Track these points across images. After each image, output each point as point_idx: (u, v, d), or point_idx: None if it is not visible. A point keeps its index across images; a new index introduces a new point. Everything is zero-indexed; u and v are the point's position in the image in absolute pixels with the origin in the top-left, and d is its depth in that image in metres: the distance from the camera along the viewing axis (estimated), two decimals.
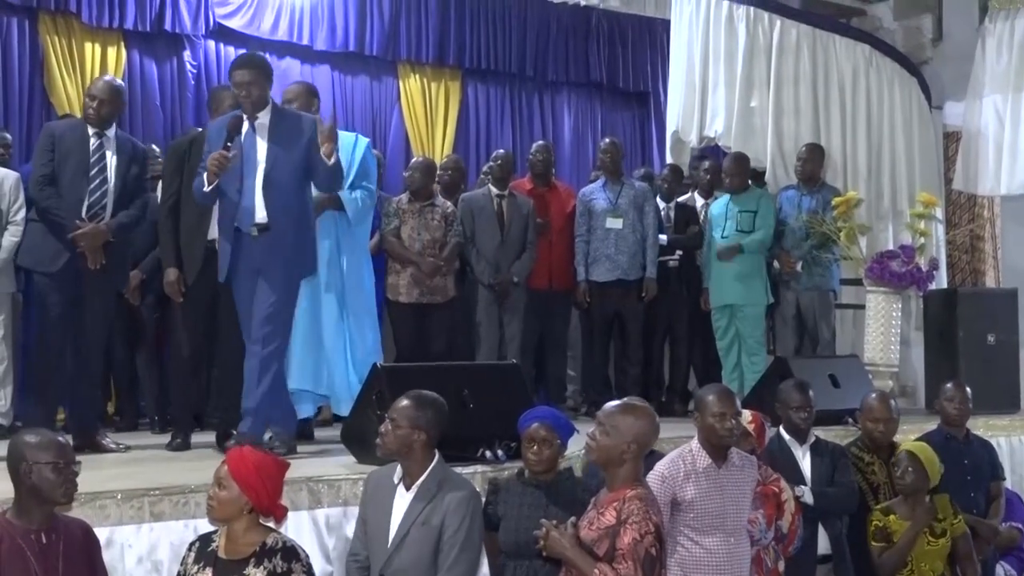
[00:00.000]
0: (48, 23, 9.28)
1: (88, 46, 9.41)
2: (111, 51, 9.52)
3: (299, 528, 5.06)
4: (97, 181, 6.49)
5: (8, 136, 8.12)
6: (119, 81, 7.21)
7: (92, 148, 6.52)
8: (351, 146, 7.14)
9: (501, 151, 9.11)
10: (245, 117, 6.09)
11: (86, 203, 6.44)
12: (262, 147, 6.07)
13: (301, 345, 6.79)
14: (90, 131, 6.56)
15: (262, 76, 6.07)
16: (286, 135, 6.07)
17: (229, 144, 5.96)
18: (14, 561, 3.78)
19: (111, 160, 6.56)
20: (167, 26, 9.73)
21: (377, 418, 5.54)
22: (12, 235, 6.95)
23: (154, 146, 8.23)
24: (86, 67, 9.30)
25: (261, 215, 6.04)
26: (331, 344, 6.88)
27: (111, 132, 6.65)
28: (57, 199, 6.41)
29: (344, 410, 6.64)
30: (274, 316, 6.06)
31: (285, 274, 6.11)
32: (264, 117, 6.09)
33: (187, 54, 9.95)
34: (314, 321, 6.83)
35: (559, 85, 12.26)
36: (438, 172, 8.79)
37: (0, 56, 9.07)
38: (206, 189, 6.02)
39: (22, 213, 6.98)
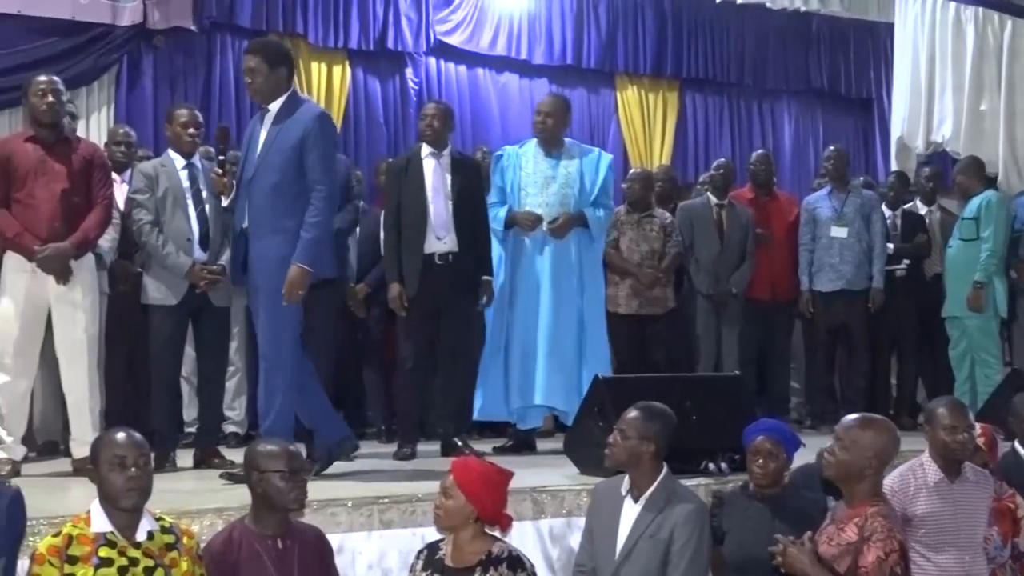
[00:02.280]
0: None
1: (315, 66, 9.83)
2: (336, 70, 9.92)
3: (523, 538, 5.06)
4: None
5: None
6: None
7: None
8: (595, 162, 7.22)
9: (722, 160, 9.08)
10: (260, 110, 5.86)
11: None
12: (262, 141, 5.76)
13: (546, 362, 6.91)
14: None
15: (266, 63, 5.66)
16: (285, 129, 5.65)
17: (222, 158, 5.84)
18: (252, 565, 3.91)
19: None
20: (389, 44, 10.07)
21: (599, 429, 5.58)
22: None
23: (357, 171, 8.46)
24: (313, 86, 9.69)
25: (247, 219, 5.77)
26: (570, 358, 6.96)
27: None
28: None
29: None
30: (268, 338, 5.69)
31: (270, 285, 5.63)
32: (275, 107, 5.72)
33: (409, 71, 10.28)
34: (556, 337, 6.94)
35: (779, 93, 12.18)
36: None
37: (233, 76, 9.52)
38: (223, 205, 6.02)
39: None
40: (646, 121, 11.39)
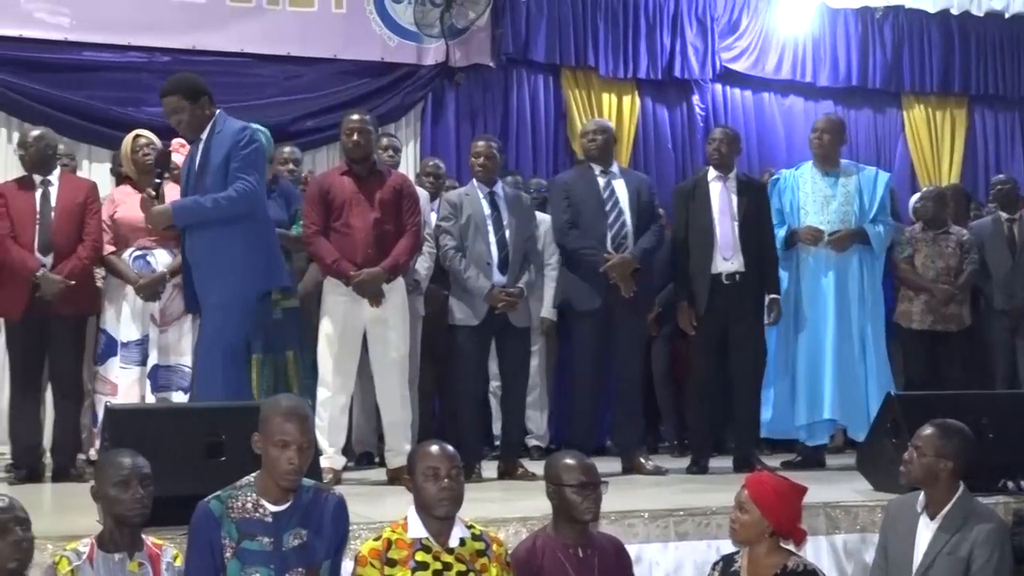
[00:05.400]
0: (569, 77, 10.05)
1: (605, 96, 10.09)
2: (626, 99, 10.16)
3: (817, 552, 5.11)
4: (613, 215, 6.88)
5: (543, 181, 8.79)
6: (606, 120, 7.64)
7: (602, 186, 6.94)
8: (872, 180, 7.27)
9: (1001, 176, 9.02)
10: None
11: (608, 236, 6.84)
12: (195, 171, 5.65)
13: (834, 376, 6.96)
14: (596, 170, 6.99)
15: (185, 100, 5.53)
16: (213, 150, 5.54)
17: (158, 181, 5.65)
18: (555, 573, 4.05)
19: (622, 193, 6.93)
20: (677, 73, 10.28)
21: (892, 446, 5.58)
22: (552, 279, 7.43)
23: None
24: (603, 115, 9.86)
25: (189, 242, 5.67)
26: (855, 372, 7.00)
27: (614, 167, 7.06)
28: (582, 239, 6.86)
29: (861, 436, 6.72)
30: (203, 355, 5.60)
31: (209, 303, 5.55)
32: (205, 134, 5.61)
33: (695, 98, 10.45)
34: (842, 351, 6.99)
35: None
36: None
37: (529, 108, 9.93)
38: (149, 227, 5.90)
39: (556, 256, 7.48)
40: (934, 139, 11.20)
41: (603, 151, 7.04)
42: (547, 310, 7.42)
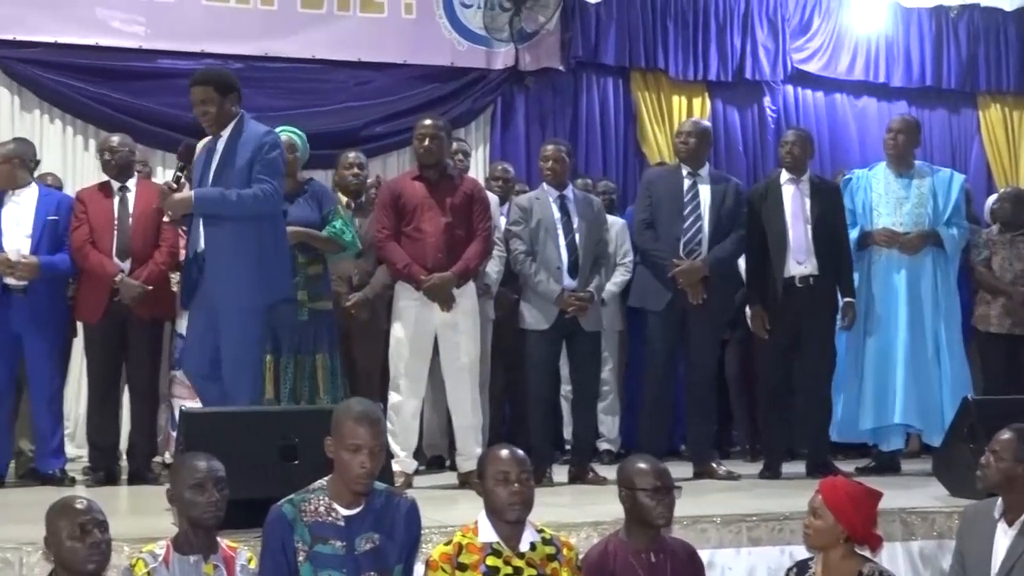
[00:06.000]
0: (639, 80, 10.00)
1: (675, 99, 10.03)
2: (696, 102, 10.09)
3: (893, 559, 5.07)
4: (690, 220, 6.83)
5: (612, 184, 8.83)
6: (705, 121, 7.59)
7: (685, 188, 6.88)
8: (947, 182, 7.22)
9: None
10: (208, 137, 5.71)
11: (682, 241, 6.81)
12: (215, 163, 5.56)
13: (904, 379, 6.91)
14: (684, 171, 6.94)
15: (216, 92, 5.46)
16: (238, 150, 5.48)
17: (179, 175, 5.54)
18: None
19: (704, 197, 6.88)
20: (747, 75, 10.22)
21: (969, 451, 5.51)
22: (621, 275, 7.49)
23: None
24: (673, 118, 9.84)
25: (202, 242, 5.53)
26: (928, 376, 6.94)
27: (704, 171, 7.00)
28: (655, 241, 6.85)
29: (936, 441, 6.65)
30: (231, 358, 5.46)
31: (229, 307, 5.44)
32: (227, 132, 5.54)
33: (767, 100, 10.36)
34: (914, 353, 6.93)
35: None
36: None
37: (598, 111, 9.89)
38: (164, 220, 5.86)
39: (629, 256, 7.49)
40: (1011, 139, 11.03)
41: (693, 153, 6.97)
42: (606, 292, 7.23)
